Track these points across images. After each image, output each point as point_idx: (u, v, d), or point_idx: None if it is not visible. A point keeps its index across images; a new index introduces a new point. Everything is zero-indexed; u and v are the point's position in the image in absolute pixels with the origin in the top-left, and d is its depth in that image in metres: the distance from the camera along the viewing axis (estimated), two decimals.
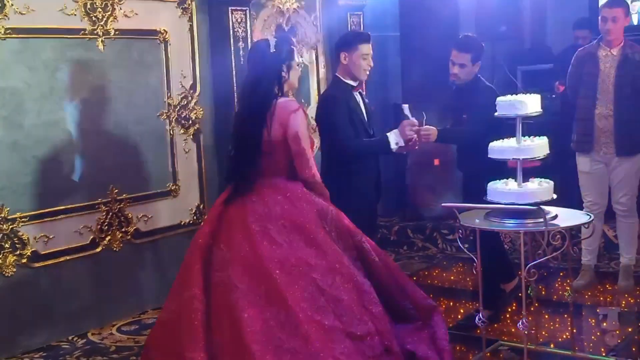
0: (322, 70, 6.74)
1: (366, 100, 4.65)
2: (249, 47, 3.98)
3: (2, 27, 4.57)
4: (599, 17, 5.31)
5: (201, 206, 5.81)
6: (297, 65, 3.90)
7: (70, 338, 4.97)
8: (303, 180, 3.78)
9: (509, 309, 5.09)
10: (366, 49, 4.48)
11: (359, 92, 4.59)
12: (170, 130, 5.57)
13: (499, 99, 4.16)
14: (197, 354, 3.38)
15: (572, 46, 7.27)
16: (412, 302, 3.86)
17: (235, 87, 5.75)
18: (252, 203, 3.66)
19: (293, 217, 3.64)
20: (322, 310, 3.48)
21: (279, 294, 3.45)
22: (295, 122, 3.69)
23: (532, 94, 4.12)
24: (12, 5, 4.60)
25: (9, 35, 4.60)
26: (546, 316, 4.96)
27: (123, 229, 5.28)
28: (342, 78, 4.52)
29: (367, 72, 4.53)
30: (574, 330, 4.36)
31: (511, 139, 4.15)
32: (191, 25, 5.66)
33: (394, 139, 4.39)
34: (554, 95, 7.02)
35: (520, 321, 3.90)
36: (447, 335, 3.91)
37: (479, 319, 4.02)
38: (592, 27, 7.11)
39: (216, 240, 3.65)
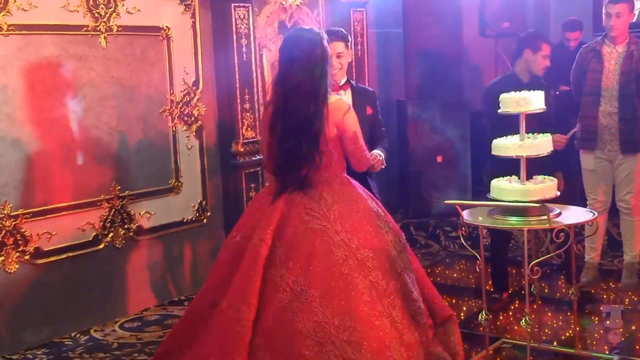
0: None
1: (358, 103, 4.42)
2: (292, 38, 3.72)
3: (5, 23, 4.56)
4: (603, 13, 5.28)
5: (204, 203, 5.80)
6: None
7: (72, 335, 4.97)
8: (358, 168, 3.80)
9: (512, 307, 5.08)
10: (336, 47, 4.30)
11: (343, 92, 4.42)
12: (172, 127, 5.56)
13: (502, 95, 4.14)
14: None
15: (560, 45, 7.27)
16: (428, 308, 3.78)
17: (237, 84, 5.75)
18: (309, 199, 3.56)
19: (351, 218, 3.56)
20: (379, 315, 3.41)
21: (336, 298, 3.36)
22: (350, 123, 3.65)
23: (536, 91, 4.11)
24: (15, 1, 4.59)
25: (11, 32, 4.59)
26: (549, 314, 4.96)
27: (126, 226, 5.28)
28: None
29: (336, 72, 4.30)
30: (577, 328, 4.35)
31: (514, 136, 4.14)
32: (194, 22, 5.65)
33: None
34: (557, 92, 7.01)
35: (523, 319, 3.90)
36: (461, 341, 3.89)
37: (482, 317, 4.01)
38: (583, 28, 7.14)
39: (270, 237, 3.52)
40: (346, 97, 4.39)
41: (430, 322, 3.80)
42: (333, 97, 3.68)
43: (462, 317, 4.98)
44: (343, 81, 4.45)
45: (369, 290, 3.44)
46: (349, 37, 4.59)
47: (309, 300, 3.36)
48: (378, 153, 4.19)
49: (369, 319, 3.38)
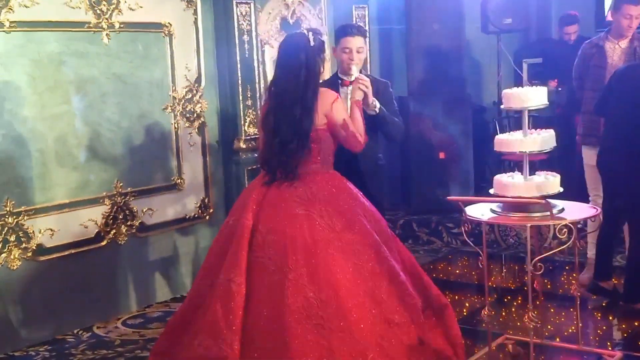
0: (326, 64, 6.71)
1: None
2: (283, 42, 3.92)
3: (7, 20, 4.55)
4: (619, 13, 5.23)
5: (206, 200, 5.80)
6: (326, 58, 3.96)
7: (75, 332, 4.97)
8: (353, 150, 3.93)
9: (515, 303, 5.08)
10: (347, 42, 4.36)
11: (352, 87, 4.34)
12: (175, 123, 5.56)
13: (505, 91, 4.14)
14: (235, 337, 3.44)
15: (560, 41, 7.27)
16: (423, 298, 3.84)
17: (240, 80, 5.74)
18: (295, 188, 3.71)
19: (336, 204, 3.71)
20: (362, 293, 3.55)
21: (322, 275, 3.50)
22: (338, 111, 3.82)
23: (538, 87, 4.10)
24: None
25: (13, 29, 4.58)
26: (552, 310, 4.95)
27: (128, 223, 5.28)
28: (337, 72, 4.51)
29: (351, 67, 4.34)
30: (580, 324, 4.35)
31: (517, 131, 4.13)
32: (196, 19, 5.64)
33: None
34: (560, 88, 7.01)
35: (526, 315, 3.89)
36: (459, 330, 3.92)
37: (485, 313, 4.01)
38: (579, 21, 7.15)
39: (255, 222, 3.68)
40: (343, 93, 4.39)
41: (429, 312, 3.86)
42: (321, 89, 3.82)
43: (465, 314, 4.99)
44: (354, 76, 4.42)
45: (353, 270, 3.59)
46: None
47: (297, 278, 3.50)
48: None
49: (354, 293, 3.54)
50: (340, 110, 3.85)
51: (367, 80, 4.16)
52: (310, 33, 3.81)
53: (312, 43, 3.77)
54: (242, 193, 4.02)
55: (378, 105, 4.27)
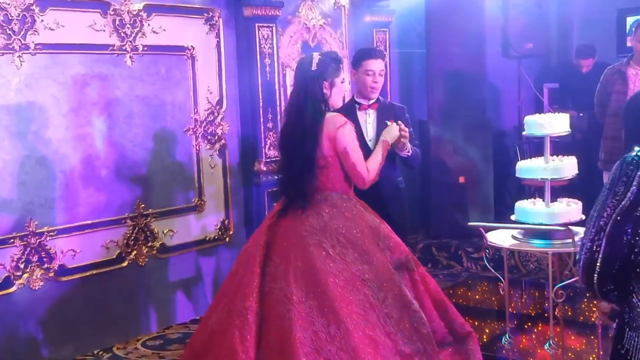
0: (347, 87, 6.74)
1: (383, 119, 4.34)
2: (296, 64, 3.97)
3: (32, 42, 4.62)
4: (635, 38, 5.27)
5: (226, 221, 5.82)
6: (342, 82, 3.85)
7: (95, 352, 4.99)
8: (357, 185, 3.85)
9: (535, 330, 5.04)
10: (370, 64, 4.32)
11: (371, 111, 4.40)
12: (196, 145, 5.60)
13: (527, 118, 4.14)
14: None
15: (574, 73, 7.25)
16: (447, 326, 3.80)
17: (261, 103, 5.78)
18: (307, 216, 3.69)
19: (348, 233, 3.66)
20: (373, 326, 3.51)
21: (331, 307, 3.47)
22: (342, 138, 3.70)
23: (560, 113, 4.10)
24: (42, 21, 4.65)
25: (38, 51, 4.65)
26: (572, 337, 4.91)
27: (149, 244, 5.31)
28: (354, 96, 4.46)
29: (374, 90, 4.36)
30: (601, 352, 4.30)
31: (539, 158, 4.13)
32: (218, 42, 5.70)
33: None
34: (581, 114, 6.99)
35: (547, 343, 3.86)
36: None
37: (506, 340, 3.98)
38: (595, 54, 7.14)
39: (269, 251, 3.68)
40: (371, 116, 4.39)
41: (450, 338, 3.79)
42: (331, 114, 3.79)
43: (485, 340, 4.95)
44: (372, 100, 4.42)
45: (363, 302, 3.54)
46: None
47: (307, 311, 3.48)
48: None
49: (363, 330, 3.48)
50: (345, 136, 3.72)
51: (408, 130, 4.13)
52: (318, 56, 3.77)
53: (313, 67, 3.73)
54: (265, 220, 4.00)
55: (410, 147, 4.23)
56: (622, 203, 2.00)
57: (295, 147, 3.71)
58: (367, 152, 3.98)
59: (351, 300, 3.51)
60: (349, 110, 4.27)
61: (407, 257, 3.81)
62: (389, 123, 4.13)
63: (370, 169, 3.79)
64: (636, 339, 2.03)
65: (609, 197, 2.04)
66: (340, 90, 3.88)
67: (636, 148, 2.04)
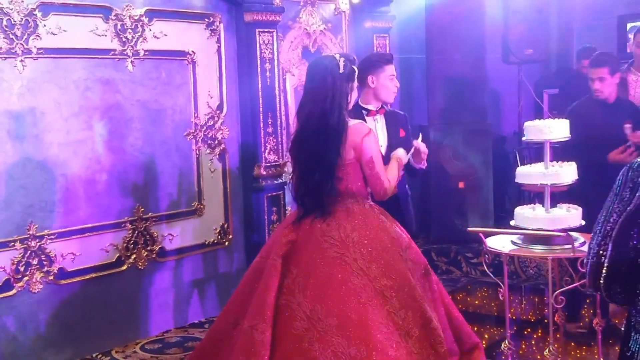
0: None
1: (391, 126, 4.47)
2: (311, 65, 3.80)
3: (35, 47, 4.63)
4: (635, 44, 5.28)
5: (225, 225, 5.83)
6: (356, 87, 3.77)
7: (94, 355, 4.99)
8: (376, 195, 3.71)
9: (535, 335, 5.04)
10: (392, 69, 4.39)
11: (379, 117, 4.43)
12: (196, 149, 5.61)
13: (527, 123, 4.15)
14: None
15: (578, 73, 7.26)
16: (455, 335, 3.76)
17: (261, 108, 5.79)
18: (327, 226, 3.53)
19: (371, 245, 3.52)
20: (395, 345, 3.37)
21: (352, 326, 3.34)
22: (368, 146, 3.60)
23: (560, 119, 4.12)
24: (44, 25, 4.66)
25: (41, 55, 4.66)
26: (572, 343, 4.91)
27: (148, 248, 5.31)
28: (360, 103, 4.35)
29: (394, 93, 4.44)
30: (602, 358, 4.31)
31: (538, 163, 4.14)
32: (219, 47, 5.71)
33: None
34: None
35: (547, 349, 3.87)
36: None
37: (505, 346, 3.99)
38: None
39: (286, 263, 3.53)
40: (380, 122, 4.41)
41: (456, 348, 3.77)
42: (354, 121, 3.66)
43: (485, 345, 4.94)
44: (379, 106, 4.44)
45: (386, 320, 3.41)
46: None
47: (326, 330, 3.34)
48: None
49: (385, 350, 3.35)
50: (371, 145, 3.62)
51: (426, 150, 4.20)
52: (342, 58, 3.63)
53: (341, 69, 3.58)
54: (276, 229, 3.87)
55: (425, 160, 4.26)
56: (629, 208, 2.03)
57: (316, 154, 3.54)
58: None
59: (374, 318, 3.37)
60: (358, 117, 4.19)
61: (427, 267, 3.74)
62: (415, 144, 4.17)
63: (390, 178, 3.71)
64: None
65: (615, 202, 2.07)
66: (355, 95, 3.79)
67: None
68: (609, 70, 4.88)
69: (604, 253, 2.06)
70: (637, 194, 2.03)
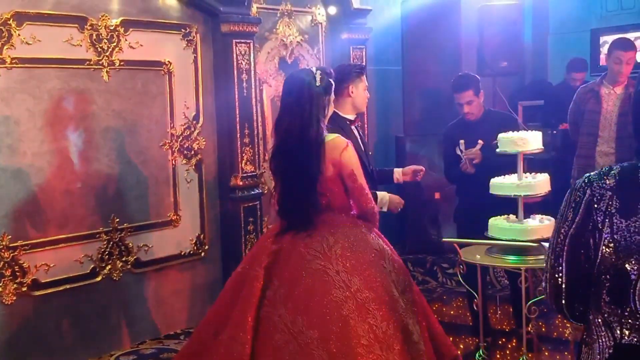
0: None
1: (361, 134, 4.56)
2: (288, 78, 3.77)
3: (9, 56, 4.60)
4: (611, 58, 5.34)
5: (202, 236, 5.81)
6: (332, 100, 3.75)
7: None
8: (361, 212, 3.68)
9: (509, 345, 5.07)
10: (365, 79, 4.44)
11: (356, 126, 4.48)
12: (172, 160, 5.59)
13: (500, 135, 4.19)
14: None
15: (565, 84, 7.36)
16: (435, 347, 3.72)
17: (238, 118, 5.78)
18: (310, 239, 3.52)
19: (353, 258, 3.50)
20: (376, 359, 3.33)
21: (334, 339, 3.31)
22: (347, 160, 3.58)
23: (533, 131, 4.16)
24: (19, 35, 4.64)
25: (15, 65, 4.63)
26: (546, 353, 4.95)
27: (123, 259, 5.28)
28: (340, 113, 4.31)
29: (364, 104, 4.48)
30: None
31: (512, 175, 4.17)
32: (195, 57, 5.70)
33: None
34: (555, 132, 7.08)
35: (521, 358, 3.89)
36: None
37: (480, 356, 4.01)
38: (588, 69, 7.25)
39: (268, 275, 3.51)
40: (355, 132, 4.43)
41: None
42: (331, 135, 3.64)
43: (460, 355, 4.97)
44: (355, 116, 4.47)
45: (367, 333, 3.38)
46: None
47: (307, 342, 3.32)
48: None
49: None
50: (351, 159, 3.60)
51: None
52: (319, 71, 3.63)
53: (318, 82, 3.58)
54: (259, 240, 3.84)
55: None
56: (571, 230, 2.07)
57: (298, 168, 3.53)
58: (365, 168, 3.99)
59: (356, 331, 3.34)
60: (343, 126, 4.24)
61: (409, 279, 3.73)
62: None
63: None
64: (590, 354, 2.08)
65: (561, 222, 2.10)
66: (331, 108, 3.77)
67: (586, 174, 2.11)
68: (474, 91, 5.02)
69: (560, 275, 2.09)
70: (578, 215, 2.06)
